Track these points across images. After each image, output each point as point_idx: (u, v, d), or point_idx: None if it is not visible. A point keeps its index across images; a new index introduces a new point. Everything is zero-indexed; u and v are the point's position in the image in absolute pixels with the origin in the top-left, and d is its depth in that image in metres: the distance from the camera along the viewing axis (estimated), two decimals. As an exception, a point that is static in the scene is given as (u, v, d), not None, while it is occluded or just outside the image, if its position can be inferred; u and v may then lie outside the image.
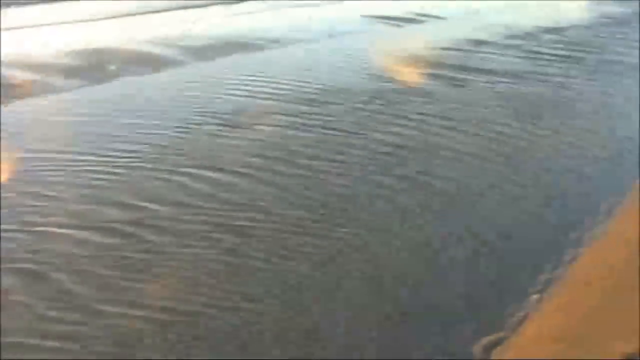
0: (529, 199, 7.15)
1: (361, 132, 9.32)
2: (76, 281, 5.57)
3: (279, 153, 8.40)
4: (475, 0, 26.12)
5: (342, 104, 10.66)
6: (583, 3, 31.76)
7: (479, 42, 17.13)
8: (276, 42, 15.31)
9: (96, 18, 17.96)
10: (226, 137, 9.06)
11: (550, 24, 22.03)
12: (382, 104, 10.73)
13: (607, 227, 6.43)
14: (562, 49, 16.92)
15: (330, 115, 9.99)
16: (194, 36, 15.53)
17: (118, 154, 8.38)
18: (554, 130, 9.63)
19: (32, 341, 4.84)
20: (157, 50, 13.97)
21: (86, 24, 17.30)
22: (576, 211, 6.86)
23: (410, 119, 9.98)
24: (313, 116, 9.96)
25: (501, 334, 4.86)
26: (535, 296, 5.30)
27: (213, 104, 10.53)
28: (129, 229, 6.42)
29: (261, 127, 9.45)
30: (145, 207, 6.86)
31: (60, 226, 6.51)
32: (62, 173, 7.77)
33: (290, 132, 9.29)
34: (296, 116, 9.93)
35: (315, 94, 11.18)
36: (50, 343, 4.80)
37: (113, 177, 7.66)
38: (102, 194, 7.23)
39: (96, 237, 6.29)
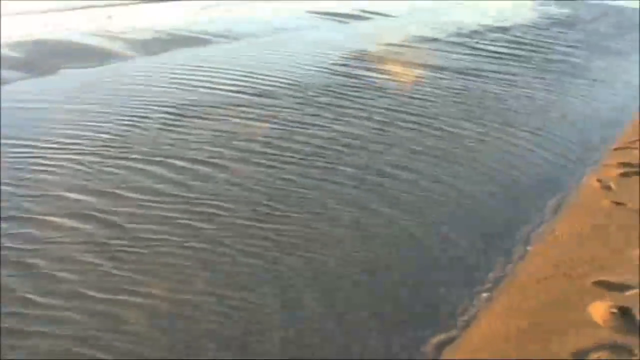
0: (477, 197, 7.14)
1: (317, 123, 9.24)
2: (57, 267, 5.36)
3: (237, 143, 8.27)
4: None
5: (295, 96, 10.57)
6: (527, 3, 32.78)
7: (428, 39, 17.34)
8: (223, 36, 15.09)
9: (43, 10, 17.42)
10: (184, 126, 8.85)
11: (496, 23, 22.57)
12: (335, 97, 10.68)
13: (555, 224, 6.49)
14: (509, 47, 17.33)
15: (284, 107, 9.87)
16: (139, 30, 15.16)
17: (75, 141, 8.12)
18: (502, 126, 9.74)
19: (18, 326, 4.67)
20: (101, 43, 13.56)
21: (33, 17, 16.74)
22: (524, 209, 6.90)
23: (364, 111, 9.98)
24: (267, 108, 9.81)
25: (451, 333, 4.83)
26: (485, 295, 5.29)
27: (165, 95, 10.26)
28: (101, 215, 6.24)
29: (216, 117, 9.27)
30: (114, 194, 6.68)
31: (30, 212, 6.25)
32: (21, 161, 7.46)
33: (246, 122, 9.13)
34: (250, 107, 9.78)
35: (268, 86, 11.05)
36: (36, 328, 4.64)
37: (75, 165, 7.40)
38: (68, 181, 6.98)
39: (71, 223, 6.05)
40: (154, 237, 5.88)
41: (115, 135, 8.38)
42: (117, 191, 6.73)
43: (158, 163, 7.47)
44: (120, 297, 5.04)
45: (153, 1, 20.98)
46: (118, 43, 13.62)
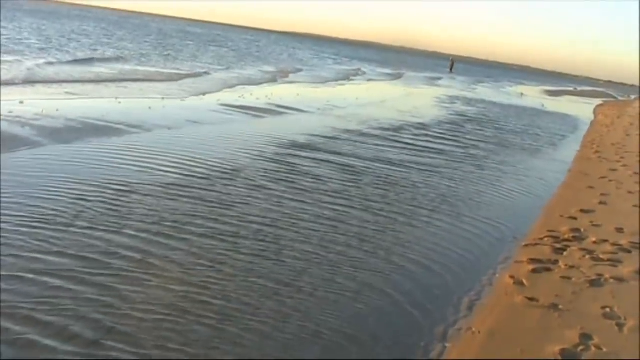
0: (390, 292, 6.98)
1: (243, 202, 9.50)
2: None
3: (173, 217, 8.43)
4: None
5: (224, 178, 10.76)
6: (435, 102, 34.66)
7: (353, 132, 18.07)
8: (136, 127, 14.79)
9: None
10: (127, 202, 8.87)
11: (415, 119, 23.72)
12: (268, 181, 10.95)
13: (471, 321, 6.46)
14: (430, 141, 18.62)
15: (211, 190, 9.98)
16: (50, 117, 14.72)
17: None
18: (417, 219, 9.87)
19: None
20: (11, 129, 13.00)
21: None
22: (440, 305, 6.83)
23: (295, 194, 10.32)
24: (197, 189, 9.88)
25: None
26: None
27: (100, 175, 10.10)
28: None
29: (147, 194, 9.31)
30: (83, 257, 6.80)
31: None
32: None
33: (172, 202, 9.10)
34: (173, 188, 9.79)
35: (197, 169, 11.16)
36: None
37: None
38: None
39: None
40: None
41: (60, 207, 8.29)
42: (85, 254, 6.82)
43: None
44: None
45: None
46: (29, 129, 13.10)
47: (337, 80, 43.30)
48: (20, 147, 11.47)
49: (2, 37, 35.96)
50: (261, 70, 42.55)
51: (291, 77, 40.90)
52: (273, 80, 35.75)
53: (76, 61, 30.67)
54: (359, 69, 64.64)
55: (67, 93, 19.83)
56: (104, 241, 7.32)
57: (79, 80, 24.01)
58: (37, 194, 8.77)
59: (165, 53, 45.69)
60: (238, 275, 6.86)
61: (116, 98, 19.93)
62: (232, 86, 29.01)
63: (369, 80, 50.51)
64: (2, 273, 6.18)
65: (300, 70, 48.91)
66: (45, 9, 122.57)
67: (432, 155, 16.03)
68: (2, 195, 8.52)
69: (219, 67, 39.07)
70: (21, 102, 16.13)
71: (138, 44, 52.92)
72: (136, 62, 35.29)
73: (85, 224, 7.79)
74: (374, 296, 6.84)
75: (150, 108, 18.50)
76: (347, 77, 48.37)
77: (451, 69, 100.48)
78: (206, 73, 33.68)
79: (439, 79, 69.52)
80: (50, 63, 28.02)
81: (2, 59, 25.80)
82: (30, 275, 6.22)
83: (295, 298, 6.49)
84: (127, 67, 31.63)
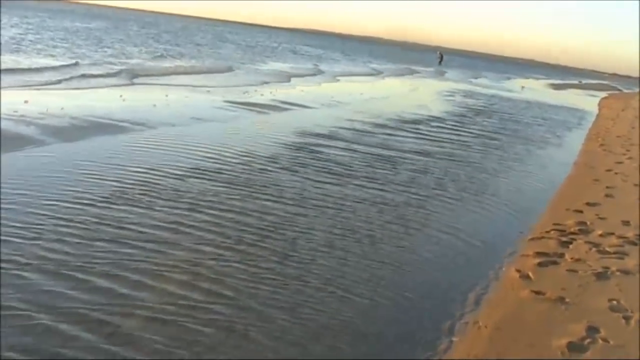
0: (397, 289, 6.98)
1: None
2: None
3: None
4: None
5: (245, 164, 11.50)
6: (435, 96, 34.62)
7: (376, 125, 18.89)
8: (140, 124, 14.76)
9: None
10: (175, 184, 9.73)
11: (432, 113, 24.08)
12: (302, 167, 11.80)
13: (478, 315, 6.47)
14: (448, 133, 19.36)
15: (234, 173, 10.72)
16: (54, 115, 14.70)
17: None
18: (425, 212, 9.88)
19: None
20: (16, 128, 13.00)
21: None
22: (446, 300, 6.84)
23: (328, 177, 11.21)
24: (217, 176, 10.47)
25: None
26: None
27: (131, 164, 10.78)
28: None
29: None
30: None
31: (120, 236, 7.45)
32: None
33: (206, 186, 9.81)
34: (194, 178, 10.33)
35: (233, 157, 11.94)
36: None
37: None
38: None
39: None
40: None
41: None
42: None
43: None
44: None
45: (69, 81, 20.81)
46: (33, 128, 13.09)
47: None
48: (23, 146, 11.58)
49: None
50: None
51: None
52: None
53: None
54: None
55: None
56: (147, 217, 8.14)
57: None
58: (85, 179, 9.64)
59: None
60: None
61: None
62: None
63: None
64: (75, 241, 7.11)
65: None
66: (43, 6, 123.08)
67: (435, 145, 16.37)
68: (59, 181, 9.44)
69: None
70: (25, 102, 16.14)
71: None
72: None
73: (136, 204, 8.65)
74: (382, 290, 6.86)
75: (151, 103, 18.56)
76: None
77: (440, 62, 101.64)
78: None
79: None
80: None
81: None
82: (100, 243, 7.15)
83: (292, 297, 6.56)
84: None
